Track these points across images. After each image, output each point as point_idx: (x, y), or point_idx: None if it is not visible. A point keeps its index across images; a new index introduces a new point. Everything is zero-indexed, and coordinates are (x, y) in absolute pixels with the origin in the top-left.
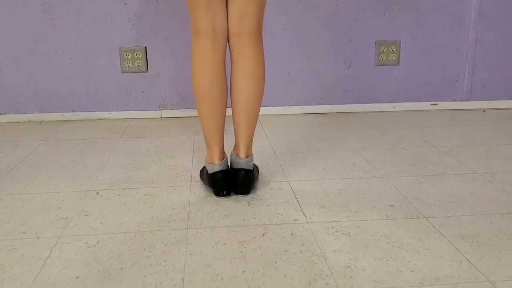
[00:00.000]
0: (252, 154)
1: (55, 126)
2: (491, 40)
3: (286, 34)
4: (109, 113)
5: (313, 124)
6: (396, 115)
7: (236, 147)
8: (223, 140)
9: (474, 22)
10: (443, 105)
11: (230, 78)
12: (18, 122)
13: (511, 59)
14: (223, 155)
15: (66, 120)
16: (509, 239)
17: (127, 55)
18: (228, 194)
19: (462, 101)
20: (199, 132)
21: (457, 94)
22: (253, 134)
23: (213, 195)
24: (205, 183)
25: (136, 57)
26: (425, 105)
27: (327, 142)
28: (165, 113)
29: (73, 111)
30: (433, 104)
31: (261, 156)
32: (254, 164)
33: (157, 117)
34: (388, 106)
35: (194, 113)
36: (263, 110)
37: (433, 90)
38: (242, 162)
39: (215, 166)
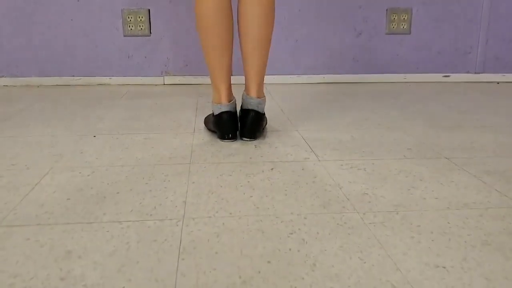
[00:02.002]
0: (264, 97)
1: (53, 89)
2: (506, 10)
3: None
4: (110, 78)
5: (322, 92)
6: (407, 85)
7: (246, 87)
8: (230, 79)
9: None
10: (456, 77)
11: (237, 7)
12: (15, 86)
13: None
14: (231, 95)
15: (66, 85)
16: None
17: (130, 17)
18: (233, 138)
19: (475, 73)
20: (202, 95)
21: (470, 66)
22: (265, 72)
23: (218, 139)
24: (209, 129)
25: (139, 19)
26: (437, 77)
27: (336, 103)
28: (168, 79)
29: (73, 76)
30: (446, 76)
31: (267, 113)
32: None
33: (159, 84)
34: (399, 77)
35: (198, 80)
36: (269, 78)
37: (446, 61)
38: (253, 103)
39: (222, 106)
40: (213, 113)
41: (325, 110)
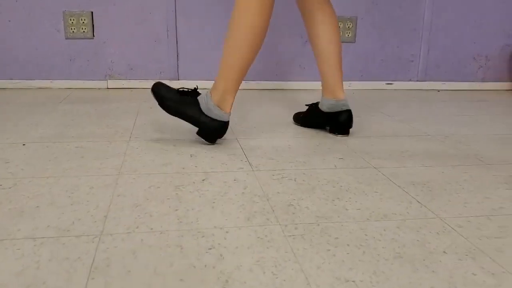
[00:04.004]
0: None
1: None
2: (446, 20)
3: None
4: (51, 82)
5: (269, 98)
6: (351, 93)
7: (332, 92)
8: None
9: (429, 2)
10: (399, 84)
11: (311, 29)
12: None
13: (464, 41)
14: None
15: (3, 88)
16: (460, 185)
17: (72, 20)
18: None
19: (417, 81)
20: (146, 100)
21: (412, 74)
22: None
23: (152, 146)
24: (194, 120)
25: (81, 22)
26: (380, 84)
27: (280, 111)
28: (111, 83)
29: (11, 79)
30: (389, 84)
31: None
32: None
33: (103, 88)
34: (344, 85)
35: (142, 84)
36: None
37: (389, 69)
38: (345, 103)
39: (226, 115)
40: (211, 118)
41: (268, 117)
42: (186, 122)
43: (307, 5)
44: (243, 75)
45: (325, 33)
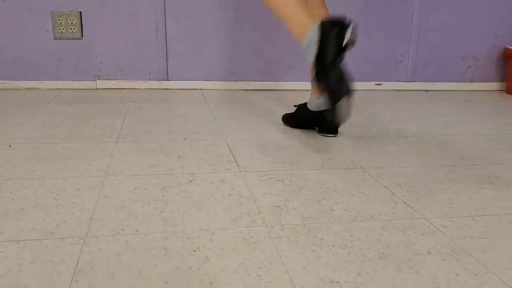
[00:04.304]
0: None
1: None
2: (434, 21)
3: (231, 5)
4: (39, 83)
5: (258, 99)
6: None
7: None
8: None
9: (418, 3)
10: (388, 85)
11: None
12: None
13: (452, 41)
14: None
15: None
16: (445, 185)
17: (60, 20)
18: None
19: (406, 81)
20: (135, 100)
21: (401, 75)
22: None
23: (140, 147)
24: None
25: (70, 22)
26: (370, 85)
27: (268, 112)
28: (100, 83)
29: None
30: (378, 84)
31: (200, 120)
32: None
33: (92, 88)
34: None
35: (131, 84)
36: (206, 84)
37: (378, 69)
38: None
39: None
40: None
41: (257, 118)
42: (180, 123)
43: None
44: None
45: None
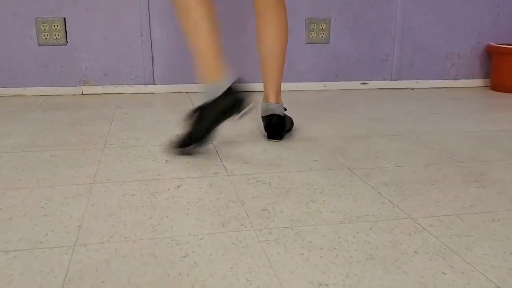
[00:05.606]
0: (282, 102)
1: None
2: (418, 20)
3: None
4: (24, 89)
5: None
6: (326, 93)
7: (266, 96)
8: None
9: (401, 2)
10: (373, 84)
11: (257, 34)
12: None
13: (436, 39)
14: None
15: None
16: (432, 184)
17: (44, 26)
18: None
19: (391, 80)
20: (121, 105)
21: (386, 73)
22: (281, 82)
23: (127, 153)
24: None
25: (54, 28)
26: (355, 84)
27: (254, 114)
28: (86, 89)
29: None
30: (364, 83)
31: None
32: (288, 116)
33: (78, 94)
34: (319, 85)
35: (117, 89)
36: (190, 87)
37: (363, 69)
38: (275, 108)
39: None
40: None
41: (243, 121)
42: (167, 128)
43: (256, 9)
44: (208, 44)
45: (262, 37)
